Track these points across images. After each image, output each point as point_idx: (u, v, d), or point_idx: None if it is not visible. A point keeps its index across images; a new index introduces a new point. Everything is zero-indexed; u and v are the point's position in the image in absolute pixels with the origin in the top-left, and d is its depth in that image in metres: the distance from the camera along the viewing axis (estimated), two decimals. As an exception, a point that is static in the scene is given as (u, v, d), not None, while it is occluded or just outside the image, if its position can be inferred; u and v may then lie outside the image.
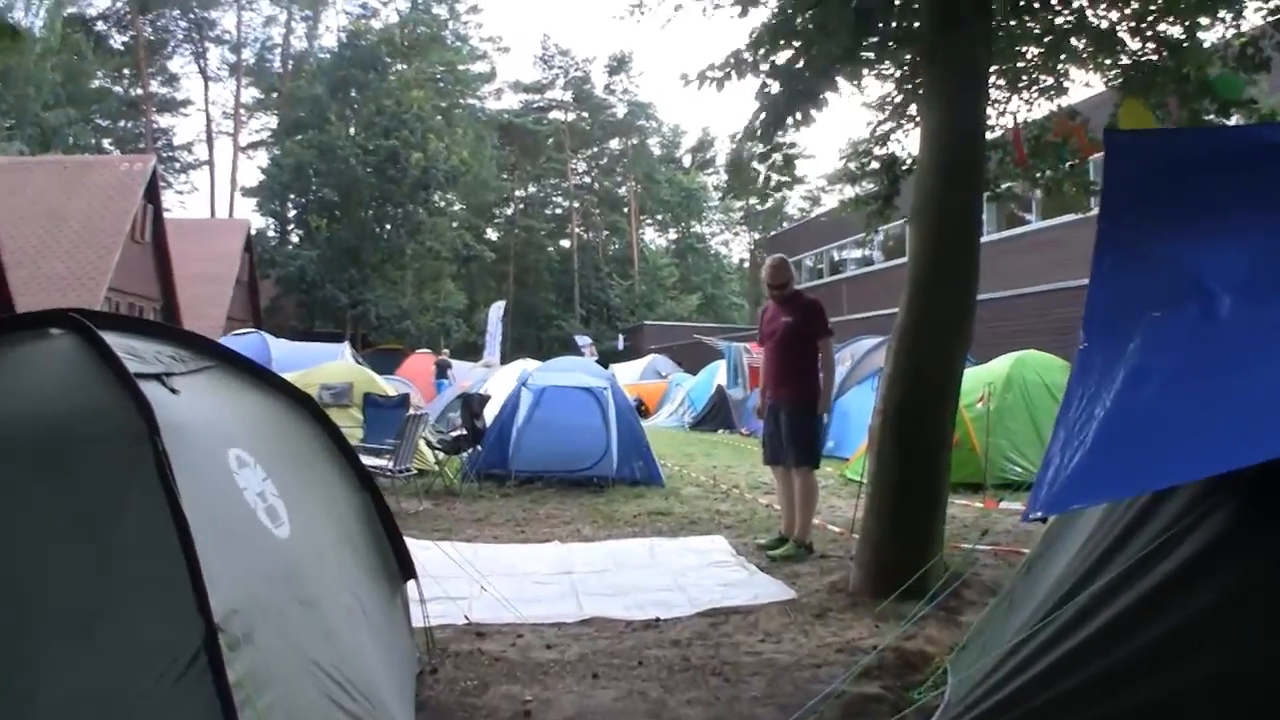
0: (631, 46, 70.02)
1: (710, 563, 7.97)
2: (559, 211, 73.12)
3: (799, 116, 7.17)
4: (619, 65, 70.36)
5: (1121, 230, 3.48)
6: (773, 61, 6.96)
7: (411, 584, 5.02)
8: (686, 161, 76.83)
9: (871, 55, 7.10)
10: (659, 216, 75.52)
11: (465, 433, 12.95)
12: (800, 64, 6.80)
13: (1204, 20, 7.35)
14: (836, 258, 39.33)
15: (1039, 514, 2.86)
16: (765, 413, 8.67)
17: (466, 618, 6.04)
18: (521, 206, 71.84)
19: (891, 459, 6.60)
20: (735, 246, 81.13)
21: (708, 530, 9.53)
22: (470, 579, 6.51)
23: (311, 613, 3.32)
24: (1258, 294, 3.15)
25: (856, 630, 5.89)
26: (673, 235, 77.12)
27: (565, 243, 71.09)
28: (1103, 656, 3.01)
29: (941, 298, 6.59)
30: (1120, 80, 7.77)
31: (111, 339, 3.25)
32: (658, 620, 6.21)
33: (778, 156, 8.12)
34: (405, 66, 59.92)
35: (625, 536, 9.25)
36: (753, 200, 69.80)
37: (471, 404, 13.07)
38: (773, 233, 57.83)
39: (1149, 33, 7.50)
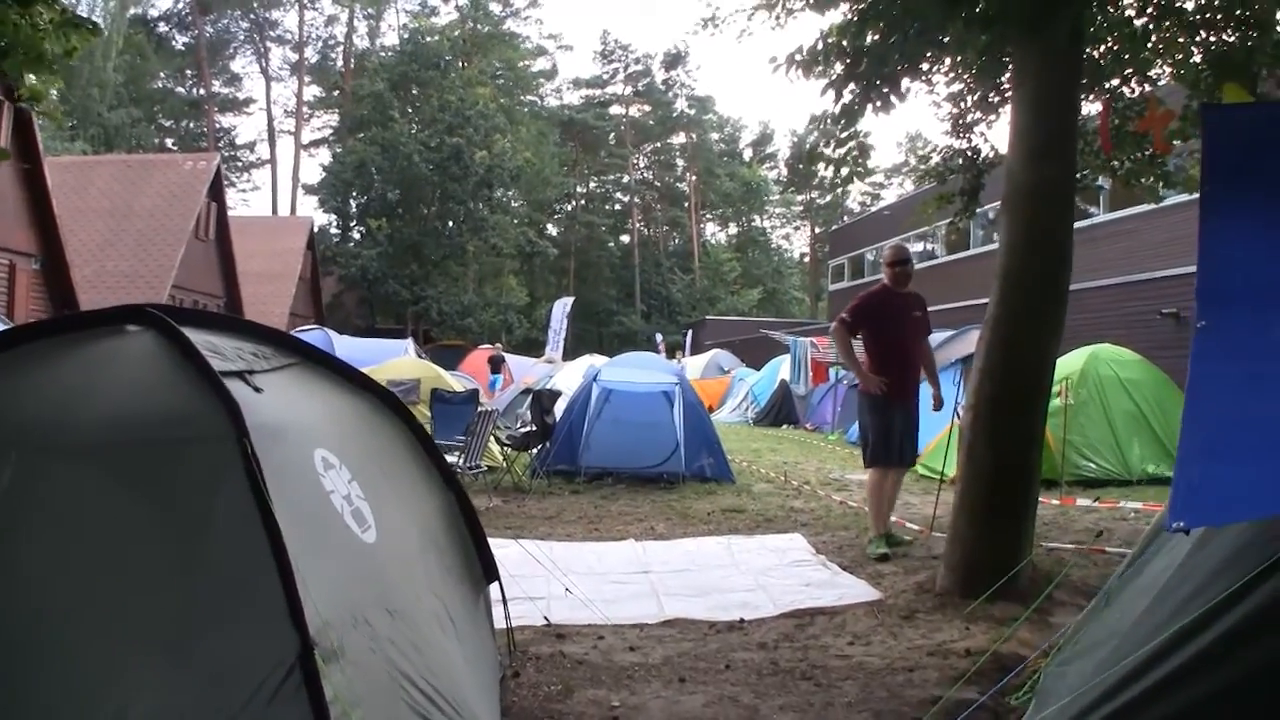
0: (689, 41, 69.46)
1: (790, 562, 7.81)
2: (619, 207, 73.30)
3: (879, 104, 6.99)
4: (675, 60, 70.19)
5: (1230, 192, 3.25)
6: (859, 47, 6.76)
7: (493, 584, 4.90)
8: (747, 155, 76.57)
9: (958, 38, 6.85)
10: (720, 211, 75.37)
11: (535, 429, 12.87)
12: (885, 49, 6.61)
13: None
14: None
15: (1182, 525, 2.59)
16: None
17: (546, 619, 5.92)
18: (583, 202, 71.95)
19: (984, 456, 6.36)
20: (796, 240, 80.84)
21: (784, 528, 9.36)
22: (548, 578, 6.42)
23: (400, 622, 3.19)
24: None
25: (947, 632, 5.70)
26: (733, 230, 77.00)
27: (626, 238, 71.16)
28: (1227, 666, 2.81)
29: (1036, 289, 6.36)
30: (1212, 64, 7.47)
31: (193, 335, 3.12)
32: (742, 622, 6.06)
33: (853, 144, 7.95)
34: (466, 65, 60.08)
35: (700, 534, 9.10)
36: (813, 194, 69.59)
37: (542, 400, 12.99)
38: (834, 226, 57.36)
39: (1238, 13, 7.21)
